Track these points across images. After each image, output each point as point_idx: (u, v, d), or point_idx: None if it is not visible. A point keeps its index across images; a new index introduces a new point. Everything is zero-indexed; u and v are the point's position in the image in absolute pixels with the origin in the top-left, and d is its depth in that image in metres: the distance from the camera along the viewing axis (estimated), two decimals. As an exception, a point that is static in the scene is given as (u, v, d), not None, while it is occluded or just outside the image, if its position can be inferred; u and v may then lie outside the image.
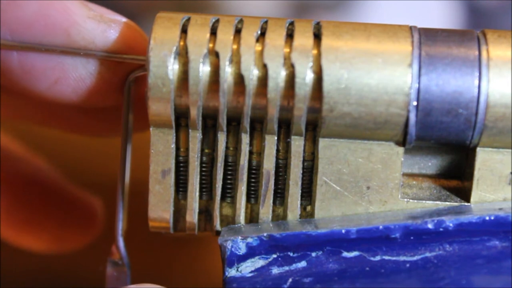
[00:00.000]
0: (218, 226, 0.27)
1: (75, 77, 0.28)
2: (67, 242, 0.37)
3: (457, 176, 0.27)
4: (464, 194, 0.27)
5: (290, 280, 0.26)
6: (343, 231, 0.26)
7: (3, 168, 0.35)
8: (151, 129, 0.26)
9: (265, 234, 0.26)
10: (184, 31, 0.26)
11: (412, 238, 0.26)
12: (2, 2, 0.27)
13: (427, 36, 0.26)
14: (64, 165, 0.38)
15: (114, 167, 0.30)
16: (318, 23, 0.26)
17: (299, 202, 0.27)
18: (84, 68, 0.27)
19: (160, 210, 0.27)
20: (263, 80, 0.25)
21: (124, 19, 0.28)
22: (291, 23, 0.26)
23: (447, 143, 0.26)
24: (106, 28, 0.27)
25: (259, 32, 0.26)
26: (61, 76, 0.28)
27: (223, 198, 0.27)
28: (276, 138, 0.26)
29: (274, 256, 0.26)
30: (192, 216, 0.27)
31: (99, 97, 0.28)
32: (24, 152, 0.37)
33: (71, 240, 0.37)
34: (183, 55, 0.25)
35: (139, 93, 0.28)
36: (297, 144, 0.26)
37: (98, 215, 0.37)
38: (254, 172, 0.27)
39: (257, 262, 0.26)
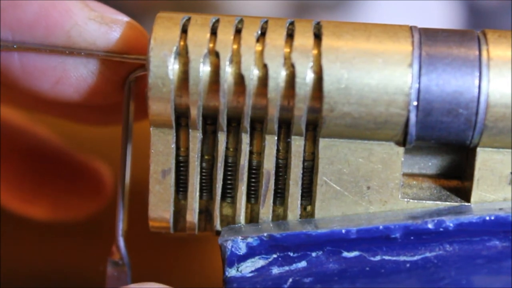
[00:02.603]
0: (218, 226, 0.27)
1: (76, 77, 0.28)
2: (73, 209, 0.37)
3: (457, 176, 0.27)
4: (464, 194, 0.27)
5: (290, 280, 0.26)
6: (343, 231, 0.26)
7: (4, 137, 0.35)
8: (151, 129, 0.26)
9: (265, 234, 0.26)
10: (184, 31, 0.26)
11: (412, 238, 0.26)
12: (2, 2, 0.27)
13: (427, 36, 0.26)
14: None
15: (114, 160, 0.30)
16: (318, 23, 0.26)
17: (299, 202, 0.27)
18: (86, 68, 0.28)
19: (160, 210, 0.27)
20: (264, 80, 0.25)
21: (126, 18, 0.28)
22: (291, 23, 0.26)
23: (447, 143, 0.26)
24: (107, 29, 0.27)
25: (259, 32, 0.26)
26: (62, 75, 0.28)
27: (223, 198, 0.27)
28: (276, 138, 0.26)
29: (274, 256, 0.26)
30: (192, 216, 0.27)
31: (101, 96, 0.28)
32: (25, 122, 0.37)
33: (77, 207, 0.37)
34: (183, 55, 0.25)
35: (141, 89, 0.28)
36: (297, 144, 0.26)
37: (105, 182, 0.36)
38: (254, 172, 0.27)
39: (257, 262, 0.26)
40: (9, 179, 0.36)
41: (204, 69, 0.25)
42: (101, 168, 0.37)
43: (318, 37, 0.26)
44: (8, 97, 0.32)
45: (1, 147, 0.35)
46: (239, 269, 0.26)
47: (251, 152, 0.27)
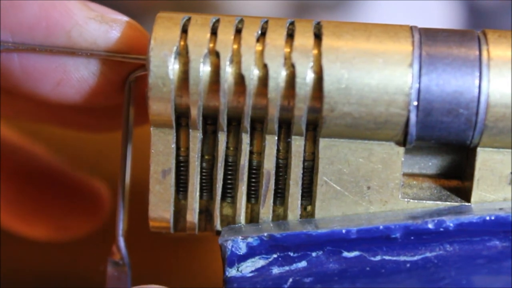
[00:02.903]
0: (218, 226, 0.27)
1: (77, 78, 0.28)
2: (72, 229, 0.37)
3: (457, 176, 0.27)
4: (465, 194, 0.27)
5: (291, 280, 0.26)
6: (344, 231, 0.26)
7: (2, 157, 0.35)
8: (151, 129, 0.26)
9: (265, 234, 0.26)
10: (184, 31, 0.26)
11: (412, 238, 0.26)
12: (2, 4, 0.27)
13: (428, 36, 0.26)
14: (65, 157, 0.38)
15: (114, 163, 0.30)
16: (318, 23, 0.26)
17: (299, 202, 0.27)
18: (86, 69, 0.27)
19: (161, 210, 0.27)
20: (264, 80, 0.25)
21: (125, 18, 0.28)
22: (292, 23, 0.26)
23: (448, 143, 0.26)
24: (107, 29, 0.27)
25: (259, 32, 0.26)
26: (63, 77, 0.28)
27: (223, 198, 0.27)
28: (276, 138, 0.26)
29: (275, 256, 0.26)
30: (193, 216, 0.27)
31: (102, 97, 0.28)
32: (24, 142, 0.37)
33: (76, 227, 0.37)
34: (183, 55, 0.25)
35: (141, 90, 0.28)
36: (298, 144, 0.26)
37: (104, 201, 0.36)
38: (255, 172, 0.27)
39: (258, 262, 0.26)
40: (8, 199, 0.36)
41: (204, 69, 0.25)
42: (99, 188, 0.37)
43: (318, 37, 0.26)
44: (9, 105, 0.32)
45: (0, 167, 0.35)
46: (239, 269, 0.26)
47: (251, 152, 0.27)
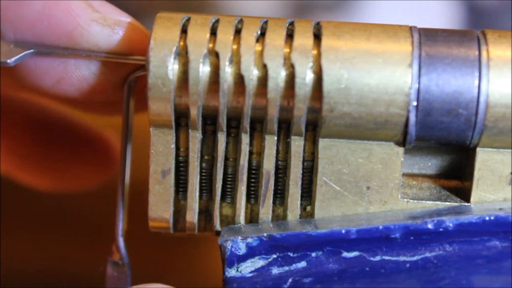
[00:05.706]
0: (218, 226, 0.27)
1: (78, 77, 0.28)
2: (78, 179, 0.37)
3: (457, 176, 0.27)
4: (464, 194, 0.27)
5: (290, 280, 0.26)
6: (343, 231, 0.26)
7: (7, 104, 0.35)
8: (151, 129, 0.27)
9: (265, 234, 0.26)
10: (184, 31, 0.26)
11: (412, 238, 0.26)
12: None
13: (427, 36, 0.26)
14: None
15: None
16: (318, 23, 0.26)
17: (299, 202, 0.27)
18: (87, 69, 0.28)
19: (160, 210, 0.27)
20: (263, 80, 0.25)
21: (128, 19, 0.28)
22: (291, 23, 0.26)
23: (447, 143, 0.26)
24: (109, 32, 0.27)
25: (259, 32, 0.26)
26: (64, 75, 0.28)
27: (223, 198, 0.27)
28: (276, 138, 0.26)
29: (274, 256, 0.26)
30: (192, 216, 0.27)
31: (102, 95, 0.28)
32: (27, 92, 0.37)
33: (83, 177, 0.36)
34: (183, 55, 0.26)
35: (142, 85, 0.28)
36: (297, 144, 0.26)
37: (112, 151, 0.36)
38: (254, 172, 0.27)
39: (257, 262, 0.26)
40: (13, 148, 0.36)
41: (204, 69, 0.25)
42: (108, 138, 0.36)
43: (317, 37, 0.26)
44: (10, 84, 0.32)
45: (5, 115, 0.35)
46: (239, 269, 0.26)
47: (250, 152, 0.27)
